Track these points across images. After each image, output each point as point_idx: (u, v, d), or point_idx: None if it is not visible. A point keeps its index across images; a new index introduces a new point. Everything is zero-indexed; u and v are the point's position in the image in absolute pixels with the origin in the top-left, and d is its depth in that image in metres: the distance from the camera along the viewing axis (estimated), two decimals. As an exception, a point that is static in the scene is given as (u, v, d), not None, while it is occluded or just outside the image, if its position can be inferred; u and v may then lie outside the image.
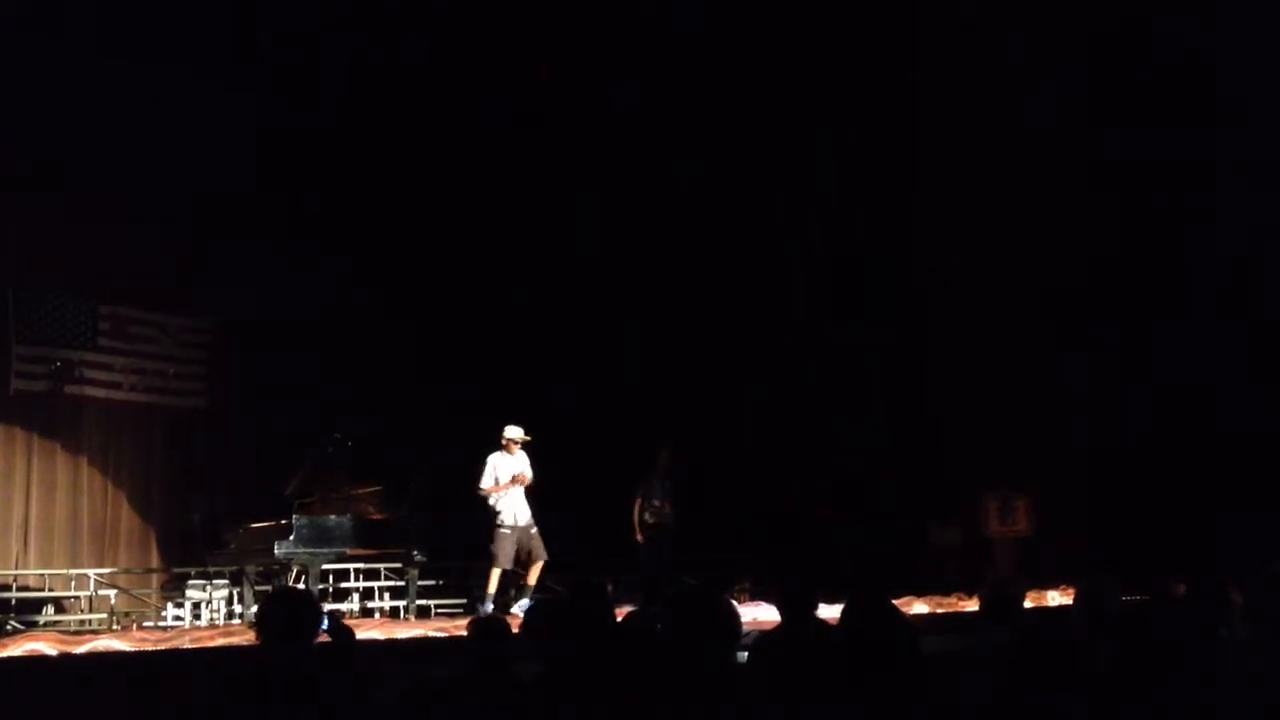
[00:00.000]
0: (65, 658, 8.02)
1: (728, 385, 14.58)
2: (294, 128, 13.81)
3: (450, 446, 13.00)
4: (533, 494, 10.84)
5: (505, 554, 10.57)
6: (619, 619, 4.50)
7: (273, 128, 13.76)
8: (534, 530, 10.67)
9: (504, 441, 10.77)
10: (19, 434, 12.78)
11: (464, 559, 12.96)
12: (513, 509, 10.65)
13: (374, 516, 10.60)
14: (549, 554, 10.70)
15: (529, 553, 10.63)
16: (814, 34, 13.88)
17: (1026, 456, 13.29)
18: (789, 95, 14.25)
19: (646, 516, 11.22)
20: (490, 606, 10.50)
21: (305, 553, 10.01)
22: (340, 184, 14.12)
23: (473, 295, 14.68)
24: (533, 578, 10.81)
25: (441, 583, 13.24)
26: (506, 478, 10.69)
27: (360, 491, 10.61)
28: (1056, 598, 10.14)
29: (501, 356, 14.30)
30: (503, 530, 10.58)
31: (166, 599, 12.48)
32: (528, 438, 10.85)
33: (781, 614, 5.00)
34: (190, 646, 8.48)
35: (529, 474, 10.76)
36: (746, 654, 4.43)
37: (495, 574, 10.64)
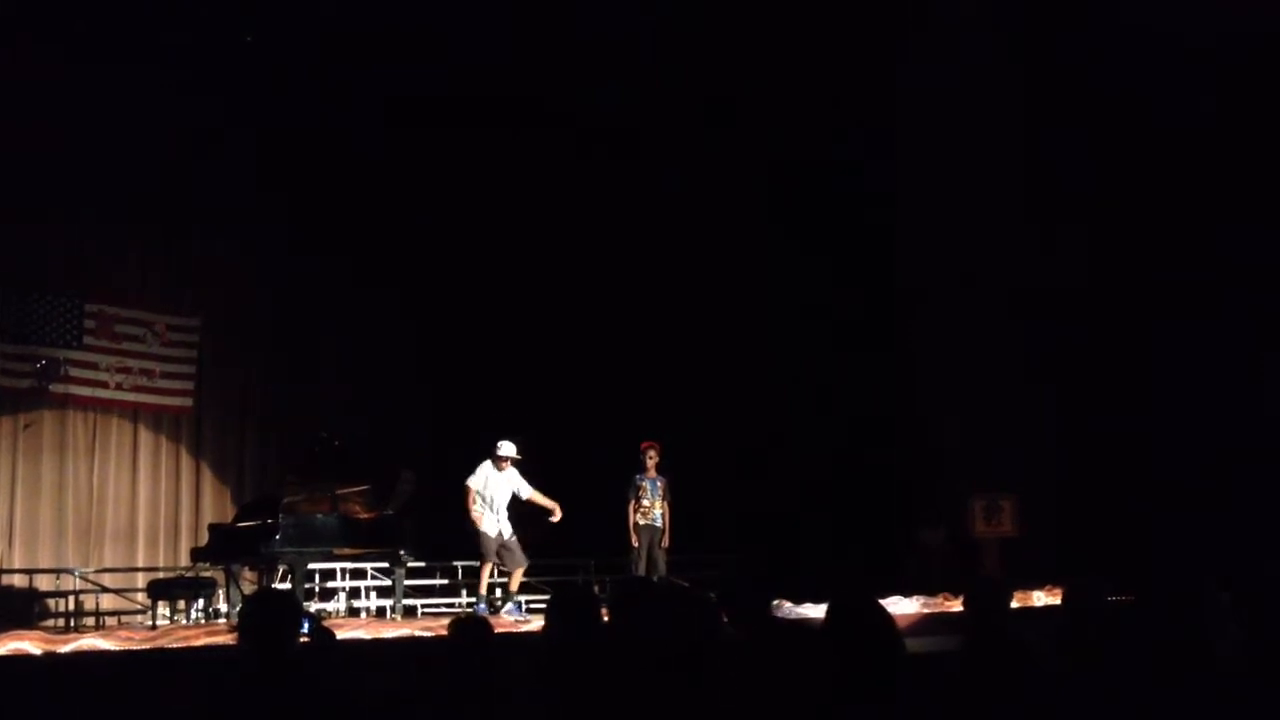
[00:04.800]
0: (50, 657, 7.99)
1: (718, 386, 14.58)
2: (288, 127, 13.77)
3: (438, 447, 13.02)
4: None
5: (490, 549, 10.71)
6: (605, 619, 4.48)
7: (267, 127, 13.72)
8: (513, 539, 10.80)
9: (496, 456, 10.77)
10: (4, 432, 12.72)
11: (452, 559, 12.95)
12: (496, 525, 10.71)
13: (361, 516, 10.57)
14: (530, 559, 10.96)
15: (512, 558, 10.79)
16: (807, 33, 13.87)
17: (1013, 456, 13.29)
18: (785, 95, 14.24)
19: (637, 518, 11.19)
20: (484, 607, 10.57)
21: (292, 551, 9.96)
22: (333, 184, 14.07)
23: (466, 294, 14.65)
24: (515, 583, 11.00)
25: (429, 582, 13.22)
26: (491, 490, 10.72)
27: (348, 490, 10.57)
28: (1043, 598, 10.13)
29: (496, 356, 14.29)
30: (484, 532, 10.70)
31: (152, 598, 12.42)
32: (519, 456, 10.85)
33: (730, 618, 4.65)
34: (175, 646, 8.45)
35: (527, 492, 10.83)
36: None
37: (486, 570, 10.83)
